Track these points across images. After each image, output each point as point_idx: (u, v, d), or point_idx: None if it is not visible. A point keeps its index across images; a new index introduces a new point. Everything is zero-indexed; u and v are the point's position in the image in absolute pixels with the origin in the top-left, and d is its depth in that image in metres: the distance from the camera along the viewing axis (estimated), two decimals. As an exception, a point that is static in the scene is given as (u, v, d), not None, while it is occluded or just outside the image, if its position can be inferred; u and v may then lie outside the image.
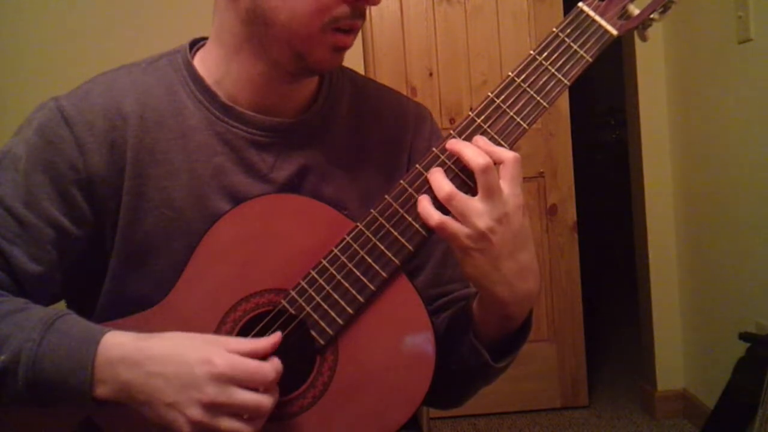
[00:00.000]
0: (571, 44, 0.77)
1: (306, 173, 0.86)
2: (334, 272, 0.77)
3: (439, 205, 0.74)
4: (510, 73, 0.77)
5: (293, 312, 0.78)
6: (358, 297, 0.77)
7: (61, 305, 0.85)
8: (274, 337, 0.75)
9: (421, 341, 0.77)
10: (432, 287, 0.92)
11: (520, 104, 0.76)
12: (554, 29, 0.77)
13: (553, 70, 0.76)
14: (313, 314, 0.77)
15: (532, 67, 0.77)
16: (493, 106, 0.76)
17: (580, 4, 0.78)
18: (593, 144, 4.29)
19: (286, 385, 0.76)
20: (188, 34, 0.91)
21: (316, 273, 0.78)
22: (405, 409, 0.77)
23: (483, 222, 0.72)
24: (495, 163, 0.72)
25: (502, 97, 0.76)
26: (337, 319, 0.77)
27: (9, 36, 2.35)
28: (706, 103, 2.34)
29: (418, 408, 0.78)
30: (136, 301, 0.80)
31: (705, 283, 2.43)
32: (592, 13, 0.77)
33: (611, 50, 0.80)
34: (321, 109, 0.89)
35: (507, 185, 0.72)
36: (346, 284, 0.77)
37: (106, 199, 0.81)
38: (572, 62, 0.76)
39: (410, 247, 0.76)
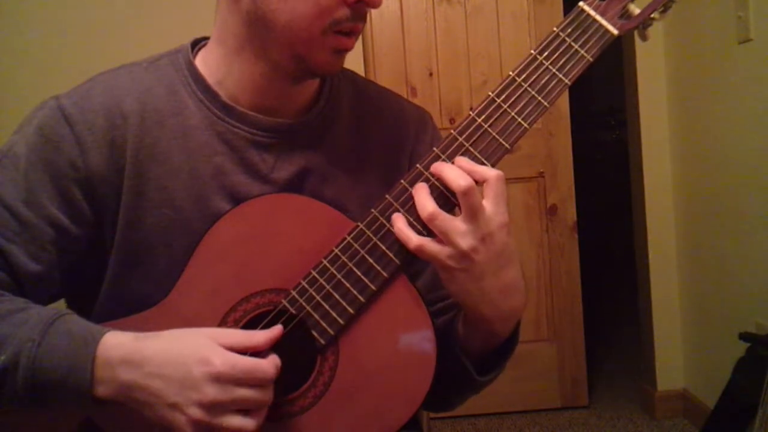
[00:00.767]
0: (572, 44, 0.77)
1: (307, 174, 0.86)
2: (334, 272, 0.77)
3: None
4: (511, 73, 0.77)
5: (294, 312, 0.78)
6: (359, 297, 0.77)
7: (61, 305, 0.85)
8: (273, 331, 0.75)
9: (422, 341, 0.77)
10: (430, 291, 0.92)
11: (521, 104, 0.76)
12: (555, 29, 0.77)
13: (553, 70, 0.76)
14: (314, 314, 0.77)
15: (533, 66, 0.77)
16: (494, 106, 0.76)
17: (580, 3, 0.78)
18: (593, 144, 4.29)
19: (286, 384, 0.76)
20: (189, 34, 0.91)
21: (317, 273, 0.78)
22: (406, 408, 0.77)
23: (466, 242, 0.72)
24: (478, 183, 0.73)
25: (503, 96, 0.76)
26: (338, 318, 0.77)
27: (9, 36, 2.34)
28: (706, 103, 2.34)
29: (419, 408, 0.78)
30: (136, 301, 0.80)
31: (705, 283, 2.43)
32: (592, 13, 0.77)
33: (611, 50, 0.80)
34: (322, 110, 0.89)
35: (490, 204, 0.72)
36: (347, 284, 0.77)
37: (106, 199, 0.81)
38: (573, 62, 0.76)
39: (411, 247, 0.76)
